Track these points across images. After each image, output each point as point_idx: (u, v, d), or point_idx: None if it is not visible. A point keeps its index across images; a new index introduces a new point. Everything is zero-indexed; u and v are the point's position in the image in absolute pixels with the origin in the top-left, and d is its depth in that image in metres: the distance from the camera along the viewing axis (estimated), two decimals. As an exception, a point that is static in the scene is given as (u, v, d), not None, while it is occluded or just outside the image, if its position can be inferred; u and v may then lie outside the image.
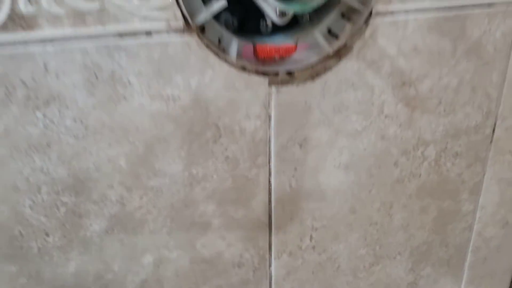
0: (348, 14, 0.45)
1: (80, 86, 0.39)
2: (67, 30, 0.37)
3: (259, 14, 0.44)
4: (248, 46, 0.45)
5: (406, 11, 0.45)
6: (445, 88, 0.50)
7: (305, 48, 0.46)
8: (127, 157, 0.43)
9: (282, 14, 0.42)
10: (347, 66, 0.45)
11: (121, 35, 0.39)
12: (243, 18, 0.46)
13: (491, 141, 0.55)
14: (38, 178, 0.42)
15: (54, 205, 0.43)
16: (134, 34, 0.39)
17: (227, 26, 0.45)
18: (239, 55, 0.44)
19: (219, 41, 0.44)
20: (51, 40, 0.37)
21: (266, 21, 0.46)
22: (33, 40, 0.37)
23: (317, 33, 0.45)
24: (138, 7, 0.38)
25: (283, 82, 0.44)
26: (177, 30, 0.40)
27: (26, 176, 0.41)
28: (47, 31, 0.37)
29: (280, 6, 0.40)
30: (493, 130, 0.55)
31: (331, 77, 0.45)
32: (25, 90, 0.39)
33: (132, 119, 0.42)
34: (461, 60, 0.49)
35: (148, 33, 0.39)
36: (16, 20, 0.36)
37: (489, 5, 0.47)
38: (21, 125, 0.40)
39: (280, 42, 0.46)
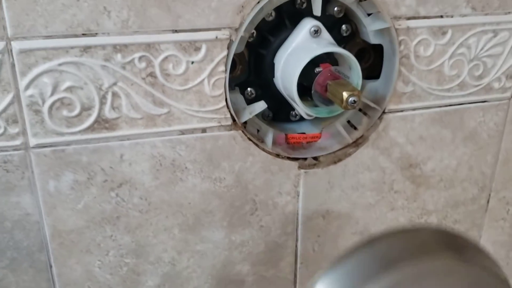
0: (365, 110, 0.54)
1: (147, 172, 0.49)
2: (140, 130, 0.47)
3: (290, 106, 0.53)
4: (281, 135, 0.54)
5: (414, 109, 0.54)
6: (445, 168, 0.59)
7: (328, 136, 0.55)
8: (180, 226, 0.52)
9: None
10: (364, 153, 0.54)
11: (182, 132, 0.48)
12: (277, 109, 0.55)
13: (486, 210, 0.64)
14: (108, 244, 0.50)
15: (118, 265, 0.52)
16: (192, 131, 0.48)
17: (263, 117, 0.55)
18: (274, 143, 0.53)
19: (258, 131, 0.53)
20: (128, 138, 0.47)
21: (295, 111, 0.55)
22: (113, 138, 0.46)
23: (339, 125, 0.54)
24: (197, 111, 0.47)
25: (310, 166, 0.53)
26: (226, 127, 0.49)
27: (98, 243, 0.50)
28: (125, 131, 0.46)
29: (308, 111, 0.48)
30: (488, 201, 0.63)
31: (350, 162, 0.54)
32: (104, 175, 0.48)
33: (186, 196, 0.51)
34: (459, 146, 0.58)
35: (203, 130, 0.48)
36: (101, 122, 0.46)
37: (483, 101, 0.56)
38: (98, 203, 0.48)
39: (307, 130, 0.55)
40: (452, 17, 0.51)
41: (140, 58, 0.44)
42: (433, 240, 0.36)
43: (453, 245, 0.35)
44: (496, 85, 0.56)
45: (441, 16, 0.51)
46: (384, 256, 0.35)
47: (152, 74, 0.45)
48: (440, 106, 0.55)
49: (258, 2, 0.45)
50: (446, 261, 0.35)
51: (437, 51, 0.52)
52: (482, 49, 0.53)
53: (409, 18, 0.50)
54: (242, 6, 0.44)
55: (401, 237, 0.37)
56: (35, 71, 0.42)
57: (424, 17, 0.50)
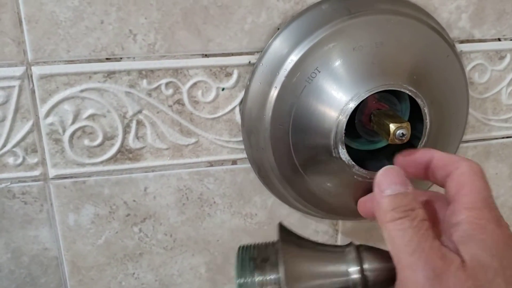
0: (412, 141, 0.49)
1: (173, 206, 0.45)
2: (166, 161, 0.43)
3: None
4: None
5: (467, 141, 0.49)
6: (501, 206, 0.53)
7: (371, 169, 0.50)
8: (207, 265, 0.48)
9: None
10: (410, 188, 0.49)
11: (211, 164, 0.44)
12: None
13: (546, 253, 0.57)
14: (129, 282, 0.47)
15: (140, 306, 0.48)
16: (222, 163, 0.44)
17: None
18: (311, 176, 0.48)
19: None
20: (152, 169, 0.43)
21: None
22: (137, 169, 0.43)
23: (383, 157, 0.50)
24: (227, 141, 0.44)
25: (350, 202, 0.49)
26: (259, 159, 0.45)
27: (119, 281, 0.47)
28: (149, 162, 0.43)
29: (349, 143, 0.44)
30: (549, 243, 0.57)
31: (394, 198, 0.49)
32: (126, 209, 0.44)
33: (214, 233, 0.47)
34: (517, 182, 0.52)
35: (234, 162, 0.45)
36: (124, 153, 0.42)
37: (545, 133, 0.51)
38: (120, 238, 0.45)
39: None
40: (511, 40, 0.46)
41: (167, 84, 0.41)
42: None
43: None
44: (560, 115, 0.50)
45: (499, 39, 0.46)
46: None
47: (179, 102, 0.42)
48: (497, 138, 0.49)
49: (296, 24, 0.41)
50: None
51: (493, 78, 0.47)
52: (544, 75, 0.48)
53: (462, 42, 0.45)
54: (278, 28, 0.41)
55: None
56: (56, 97, 0.40)
57: (480, 40, 0.45)
